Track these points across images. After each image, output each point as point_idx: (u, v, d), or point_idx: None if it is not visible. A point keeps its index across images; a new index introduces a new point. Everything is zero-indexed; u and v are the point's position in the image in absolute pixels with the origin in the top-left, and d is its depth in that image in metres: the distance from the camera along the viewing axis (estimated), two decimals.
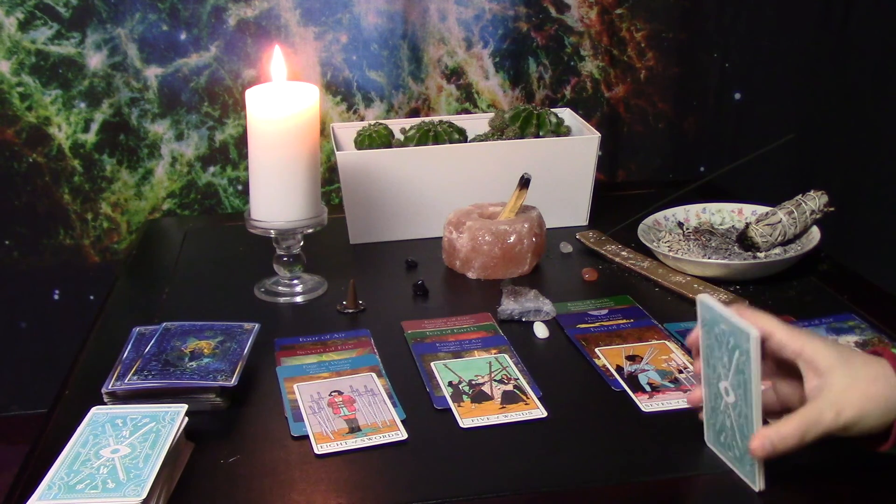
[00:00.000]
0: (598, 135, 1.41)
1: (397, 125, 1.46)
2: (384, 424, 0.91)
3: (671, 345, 1.05)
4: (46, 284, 1.74)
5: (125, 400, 0.93)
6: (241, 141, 1.69)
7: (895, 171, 1.81)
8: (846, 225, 1.66)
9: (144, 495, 0.75)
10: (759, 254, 1.24)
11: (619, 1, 1.74)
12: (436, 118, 1.47)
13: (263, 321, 1.07)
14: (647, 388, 0.97)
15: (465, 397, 0.96)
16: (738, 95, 1.84)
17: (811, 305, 1.15)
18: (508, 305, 1.13)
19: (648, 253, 1.28)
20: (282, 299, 1.22)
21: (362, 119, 1.72)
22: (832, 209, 1.26)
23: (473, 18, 1.71)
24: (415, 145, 1.40)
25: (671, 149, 1.85)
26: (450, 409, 0.94)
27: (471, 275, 1.26)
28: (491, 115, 1.49)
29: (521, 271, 1.26)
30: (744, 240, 1.25)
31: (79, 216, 1.70)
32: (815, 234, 1.26)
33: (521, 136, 1.42)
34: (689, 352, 1.04)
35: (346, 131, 1.49)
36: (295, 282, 1.23)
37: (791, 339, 0.79)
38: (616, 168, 1.85)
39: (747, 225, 1.26)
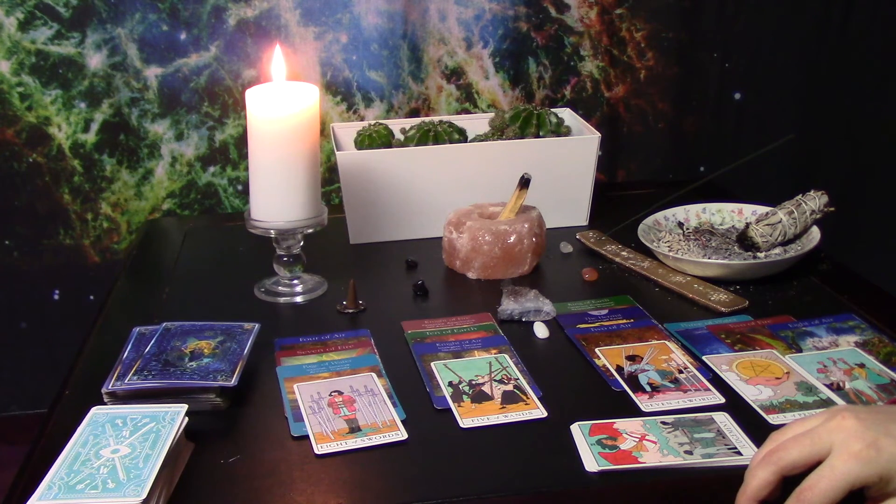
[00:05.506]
0: (598, 135, 1.41)
1: (397, 125, 1.46)
2: (384, 424, 0.91)
3: (671, 345, 1.05)
4: (46, 284, 1.73)
5: (125, 400, 0.93)
6: (241, 141, 1.69)
7: (895, 171, 1.81)
8: (846, 225, 1.66)
9: (144, 495, 0.75)
10: (759, 254, 1.24)
11: (619, 1, 1.74)
12: (436, 118, 1.47)
13: (263, 321, 1.07)
14: (648, 388, 0.97)
15: (465, 397, 0.96)
16: (738, 95, 1.84)
17: (811, 305, 1.15)
18: (508, 305, 1.13)
19: (648, 253, 1.28)
20: (282, 299, 1.22)
21: (362, 119, 1.72)
22: (832, 209, 1.26)
23: (473, 18, 1.71)
24: (415, 145, 1.40)
25: (671, 149, 1.85)
26: (450, 409, 0.94)
27: (471, 275, 1.26)
28: (491, 115, 1.49)
29: (521, 271, 1.26)
30: (744, 240, 1.25)
31: (79, 216, 1.70)
32: (815, 234, 1.26)
33: (521, 136, 1.42)
34: (690, 352, 1.05)
35: (346, 131, 1.49)
36: (295, 282, 1.23)
37: None
38: (616, 168, 1.85)
39: (747, 225, 1.26)
